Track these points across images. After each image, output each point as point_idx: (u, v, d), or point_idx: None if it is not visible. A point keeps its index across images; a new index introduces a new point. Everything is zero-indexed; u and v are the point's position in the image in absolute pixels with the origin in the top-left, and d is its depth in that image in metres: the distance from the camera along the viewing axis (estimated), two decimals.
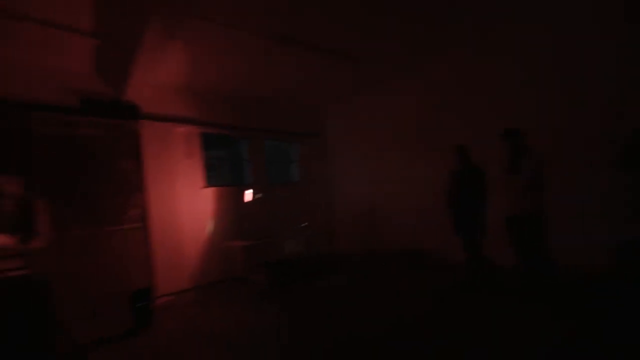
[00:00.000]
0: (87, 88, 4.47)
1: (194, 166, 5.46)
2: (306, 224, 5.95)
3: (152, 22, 3.60)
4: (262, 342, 3.07)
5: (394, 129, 6.25)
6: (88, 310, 3.40)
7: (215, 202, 5.56)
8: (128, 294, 3.55)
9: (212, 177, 5.90)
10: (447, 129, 5.32)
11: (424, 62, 5.51)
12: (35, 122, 4.04)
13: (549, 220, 3.35)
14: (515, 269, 3.59)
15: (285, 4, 3.77)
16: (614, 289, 3.26)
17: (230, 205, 5.65)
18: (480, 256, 4.03)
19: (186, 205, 5.22)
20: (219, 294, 4.72)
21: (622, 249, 3.32)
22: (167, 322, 3.74)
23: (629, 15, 3.64)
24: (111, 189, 4.47)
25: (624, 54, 3.69)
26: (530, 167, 3.40)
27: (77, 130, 4.36)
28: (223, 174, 6.30)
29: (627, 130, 3.31)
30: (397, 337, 2.88)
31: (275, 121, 6.53)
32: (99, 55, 4.20)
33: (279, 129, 6.61)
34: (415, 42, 4.88)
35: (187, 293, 4.81)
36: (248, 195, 5.46)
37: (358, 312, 3.52)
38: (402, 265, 5.22)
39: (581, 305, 3.11)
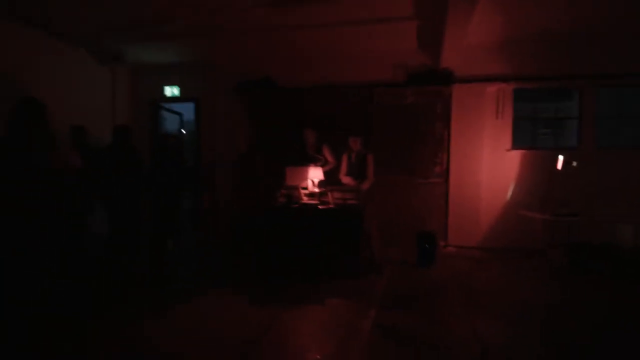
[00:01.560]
0: (411, 63, 5.42)
1: (502, 126, 5.30)
2: None
3: None
4: (533, 315, 3.00)
5: None
6: (387, 238, 4.64)
7: (520, 166, 5.21)
8: (422, 234, 4.41)
9: (523, 138, 5.45)
10: None
11: None
12: (376, 96, 5.57)
13: None
14: None
15: None
16: None
17: (538, 171, 5.05)
18: None
19: (487, 166, 5.28)
20: (503, 260, 4.65)
21: None
22: (446, 267, 4.34)
23: None
24: (423, 148, 5.41)
25: None
26: None
27: (404, 100, 5.54)
28: (537, 134, 5.59)
29: None
30: None
31: (620, 61, 4.81)
32: (419, 33, 4.94)
33: (628, 71, 4.82)
34: None
35: (472, 250, 5.09)
36: (561, 161, 4.63)
37: None
38: None
39: None
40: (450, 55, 5.03)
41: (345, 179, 4.58)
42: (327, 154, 4.81)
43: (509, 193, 5.21)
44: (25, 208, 2.37)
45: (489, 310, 3.11)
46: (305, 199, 4.11)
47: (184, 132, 7.66)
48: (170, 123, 7.10)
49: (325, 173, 4.53)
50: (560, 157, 4.77)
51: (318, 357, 2.35)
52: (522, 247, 4.88)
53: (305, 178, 4.27)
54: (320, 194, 4.13)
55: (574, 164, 4.53)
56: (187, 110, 6.64)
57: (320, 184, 4.29)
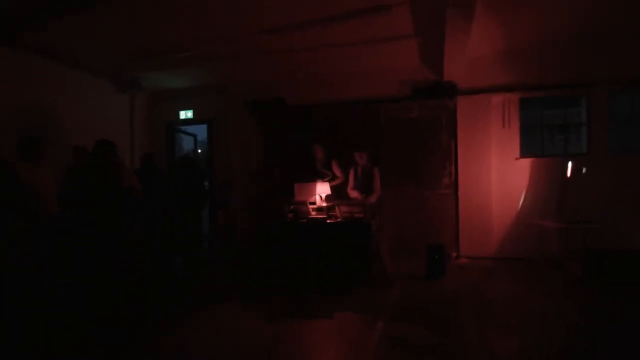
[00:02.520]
0: (415, 78, 5.52)
1: (509, 135, 5.29)
2: None
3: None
4: (545, 327, 2.94)
5: None
6: (397, 250, 4.66)
7: (530, 174, 5.16)
8: (431, 246, 4.41)
9: (530, 146, 5.41)
10: None
11: None
12: (383, 111, 5.69)
13: None
14: None
15: None
16: None
17: (549, 178, 4.99)
18: None
19: (496, 176, 5.26)
20: (516, 271, 4.57)
21: None
22: (457, 279, 4.31)
23: None
24: (430, 160, 5.46)
25: None
26: None
27: (410, 113, 5.62)
28: (545, 141, 5.53)
29: None
30: None
31: (631, 64, 4.76)
32: (420, 49, 5.06)
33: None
34: None
35: (485, 261, 5.02)
36: (571, 168, 4.58)
37: None
38: None
39: None
40: (453, 68, 5.10)
41: (353, 193, 4.67)
42: (336, 169, 4.92)
43: (520, 202, 5.16)
44: (106, 216, 3.42)
45: (499, 322, 3.08)
46: (313, 214, 4.21)
47: (199, 151, 7.96)
48: (185, 144, 7.41)
49: (333, 188, 4.63)
50: (570, 164, 4.73)
51: None
52: (536, 257, 4.79)
53: (313, 193, 4.38)
54: (328, 209, 4.22)
55: (584, 170, 4.49)
56: (201, 131, 6.94)
57: (328, 198, 4.38)
